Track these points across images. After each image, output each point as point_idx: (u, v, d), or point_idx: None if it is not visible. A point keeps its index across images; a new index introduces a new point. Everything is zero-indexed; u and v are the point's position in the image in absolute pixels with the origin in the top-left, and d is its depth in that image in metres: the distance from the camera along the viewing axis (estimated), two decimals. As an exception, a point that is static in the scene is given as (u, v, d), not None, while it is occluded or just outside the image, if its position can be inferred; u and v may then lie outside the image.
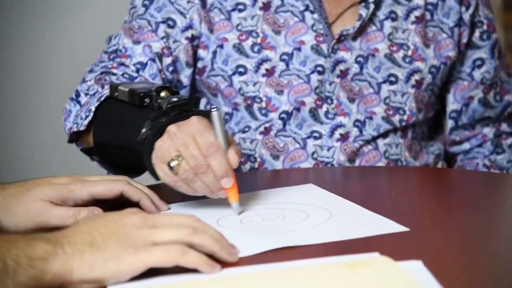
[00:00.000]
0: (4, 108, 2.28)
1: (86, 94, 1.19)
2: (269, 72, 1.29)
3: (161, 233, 0.74)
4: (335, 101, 1.30)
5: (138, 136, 0.97)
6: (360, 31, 1.29)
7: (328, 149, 1.29)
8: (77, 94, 1.21)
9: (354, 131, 1.30)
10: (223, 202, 0.96)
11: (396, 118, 1.31)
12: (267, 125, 1.30)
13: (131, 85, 1.06)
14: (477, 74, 1.38)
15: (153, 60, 1.25)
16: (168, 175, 0.93)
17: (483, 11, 1.36)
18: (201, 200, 0.99)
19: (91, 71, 1.26)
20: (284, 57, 1.28)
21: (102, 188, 0.95)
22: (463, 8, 1.34)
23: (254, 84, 1.29)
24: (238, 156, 0.93)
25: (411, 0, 1.32)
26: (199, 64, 1.31)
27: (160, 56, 1.26)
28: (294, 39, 1.28)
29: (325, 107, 1.30)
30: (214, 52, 1.30)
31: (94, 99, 1.14)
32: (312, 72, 1.28)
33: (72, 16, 2.27)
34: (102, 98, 1.12)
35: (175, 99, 0.98)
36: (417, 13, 1.32)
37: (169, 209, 0.99)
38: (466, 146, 1.43)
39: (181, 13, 1.28)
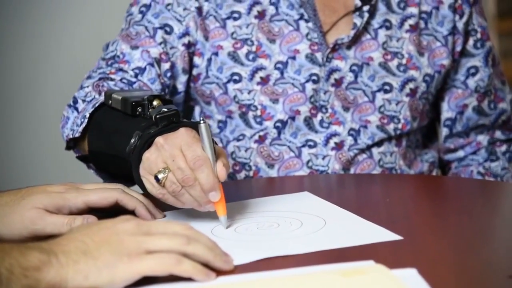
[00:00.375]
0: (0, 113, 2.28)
1: (84, 101, 1.19)
2: (264, 81, 1.29)
3: (155, 241, 0.74)
4: (329, 110, 1.30)
5: (127, 147, 0.96)
6: (355, 40, 1.30)
7: (323, 158, 1.29)
8: (75, 101, 1.20)
9: (349, 140, 1.30)
10: (218, 211, 0.95)
11: (390, 127, 1.32)
12: (261, 133, 1.30)
13: (124, 93, 1.06)
14: (471, 82, 1.38)
15: (151, 64, 1.25)
16: (155, 188, 0.92)
17: (477, 19, 1.37)
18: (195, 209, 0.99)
19: (89, 77, 1.26)
20: (279, 65, 1.29)
21: (97, 197, 0.95)
22: (457, 17, 1.35)
23: (249, 92, 1.29)
24: (226, 169, 0.91)
25: (405, 8, 1.32)
26: (194, 72, 1.31)
27: (158, 61, 1.26)
28: (289, 48, 1.29)
29: (319, 116, 1.30)
30: (209, 60, 1.30)
31: (89, 106, 1.14)
32: (307, 81, 1.28)
33: (70, 20, 2.27)
34: (97, 105, 1.11)
35: (165, 109, 0.96)
36: (411, 21, 1.32)
37: (165, 216, 0.99)
38: (460, 153, 1.43)
39: (178, 20, 1.29)
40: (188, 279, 0.74)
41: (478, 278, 0.74)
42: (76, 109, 1.19)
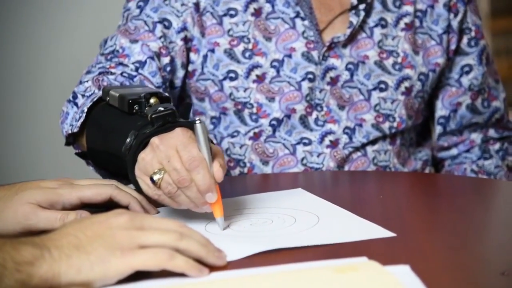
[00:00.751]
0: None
1: (83, 96, 1.17)
2: (260, 78, 1.29)
3: (148, 236, 0.74)
4: (324, 108, 1.30)
5: (123, 146, 0.95)
6: (351, 39, 1.30)
7: (318, 155, 1.29)
8: (75, 96, 1.19)
9: (344, 138, 1.30)
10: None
11: (386, 125, 1.32)
12: (256, 130, 1.30)
13: (122, 90, 1.04)
14: (465, 81, 1.38)
15: (152, 58, 1.24)
16: (150, 189, 0.90)
17: (471, 18, 1.37)
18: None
19: (88, 72, 1.24)
20: (275, 63, 1.29)
21: (91, 193, 0.95)
22: (452, 15, 1.35)
23: (245, 90, 1.29)
24: (223, 169, 0.90)
25: (401, 7, 1.32)
26: (189, 68, 1.31)
27: (158, 55, 1.25)
28: (285, 46, 1.29)
29: (314, 114, 1.30)
30: (205, 56, 1.30)
31: (88, 100, 1.12)
32: (303, 79, 1.28)
33: (68, 17, 2.27)
34: (95, 99, 1.10)
35: (161, 109, 0.94)
36: (406, 20, 1.32)
37: (158, 212, 0.99)
38: (454, 151, 1.44)
39: (176, 15, 1.28)
40: (181, 275, 0.74)
41: (471, 275, 0.74)
42: (76, 104, 1.18)
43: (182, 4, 1.29)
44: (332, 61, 1.29)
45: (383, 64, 1.31)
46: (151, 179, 0.89)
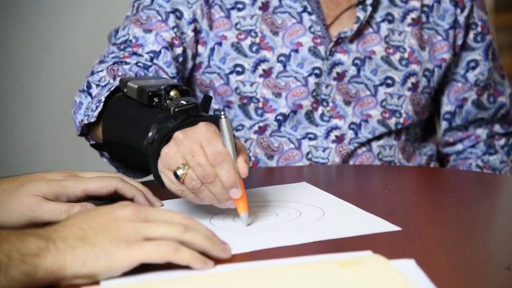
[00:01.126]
0: (2, 105, 2.28)
1: (98, 86, 1.15)
2: (266, 73, 1.29)
3: (153, 228, 0.74)
4: (330, 104, 1.30)
5: (144, 140, 0.92)
6: (357, 34, 1.30)
7: (324, 150, 1.29)
8: (88, 86, 1.16)
9: (350, 134, 1.30)
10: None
11: (392, 121, 1.31)
12: (261, 124, 1.30)
13: (141, 82, 1.01)
14: (471, 76, 1.38)
15: (166, 48, 1.23)
16: (174, 184, 0.88)
17: (478, 13, 1.37)
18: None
19: (101, 62, 1.22)
20: (282, 58, 1.28)
21: (96, 185, 0.95)
22: (458, 10, 1.35)
23: (251, 84, 1.29)
24: (247, 165, 0.88)
25: (407, 2, 1.32)
26: (196, 60, 1.30)
27: (171, 45, 1.24)
28: (292, 41, 1.29)
29: (320, 109, 1.30)
30: (212, 49, 1.29)
31: (104, 90, 1.10)
32: (310, 75, 1.28)
33: (72, 13, 2.27)
34: (112, 88, 1.08)
35: (183, 102, 0.92)
36: (413, 15, 1.32)
37: (163, 205, 0.99)
38: (459, 147, 1.43)
39: (187, 6, 1.27)
40: (186, 267, 0.74)
41: (476, 269, 0.74)
42: (90, 94, 1.15)
43: None
44: (339, 56, 1.29)
45: (390, 60, 1.31)
46: (175, 174, 0.87)
